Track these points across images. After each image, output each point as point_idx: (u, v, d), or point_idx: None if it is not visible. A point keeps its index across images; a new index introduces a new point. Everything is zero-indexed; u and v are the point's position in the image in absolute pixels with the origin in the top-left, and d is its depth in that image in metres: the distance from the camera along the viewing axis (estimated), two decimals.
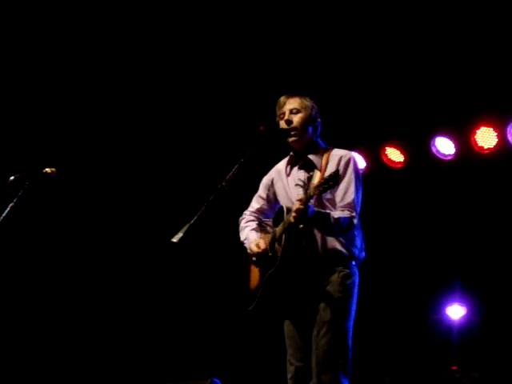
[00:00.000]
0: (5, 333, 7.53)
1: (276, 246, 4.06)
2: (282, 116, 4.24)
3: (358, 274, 4.14)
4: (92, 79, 7.46)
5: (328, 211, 3.98)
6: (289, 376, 4.12)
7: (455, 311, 7.09)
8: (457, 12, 6.45)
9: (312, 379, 3.97)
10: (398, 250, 7.36)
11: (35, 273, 7.79)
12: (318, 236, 4.05)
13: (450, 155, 7.07)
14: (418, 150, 7.21)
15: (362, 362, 7.02)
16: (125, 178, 7.88)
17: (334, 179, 3.70)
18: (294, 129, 4.17)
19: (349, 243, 4.08)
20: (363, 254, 4.18)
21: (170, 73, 7.46)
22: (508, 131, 6.66)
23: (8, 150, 7.38)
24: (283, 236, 3.97)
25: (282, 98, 4.27)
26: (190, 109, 7.64)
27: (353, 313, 4.06)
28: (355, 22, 6.81)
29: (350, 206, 4.03)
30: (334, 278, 4.02)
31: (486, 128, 6.80)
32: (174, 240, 3.73)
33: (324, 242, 4.05)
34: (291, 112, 4.21)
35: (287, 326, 4.18)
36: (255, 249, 4.12)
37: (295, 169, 4.26)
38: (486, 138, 6.82)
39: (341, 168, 4.08)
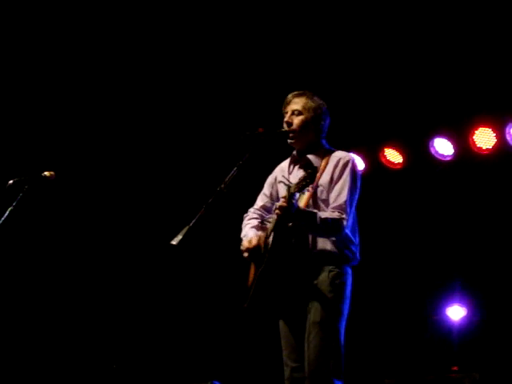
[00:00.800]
0: (5, 335, 7.53)
1: (267, 242, 4.07)
2: (285, 115, 4.24)
3: (350, 273, 4.12)
4: (90, 81, 7.47)
5: (315, 210, 3.97)
6: (285, 377, 4.11)
7: (455, 312, 7.08)
8: (455, 13, 6.46)
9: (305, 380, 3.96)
10: (398, 251, 7.35)
11: (35, 276, 7.79)
12: (310, 235, 4.04)
13: (448, 156, 7.07)
14: (417, 151, 7.20)
15: (363, 363, 7.06)
16: (124, 180, 7.88)
17: (311, 177, 3.78)
18: (293, 131, 4.17)
19: (341, 244, 4.06)
20: (357, 256, 4.15)
21: (168, 75, 7.47)
22: (506, 132, 6.65)
23: (7, 154, 7.38)
24: (272, 233, 4.00)
25: (289, 96, 4.26)
26: (189, 111, 7.64)
27: (345, 313, 4.03)
28: (354, 24, 6.82)
29: (341, 208, 4.01)
30: (324, 276, 4.01)
31: (484, 129, 6.79)
32: (174, 242, 3.73)
33: (315, 240, 4.04)
34: (293, 113, 4.20)
35: (282, 327, 4.17)
36: (246, 244, 4.12)
37: (296, 168, 4.27)
38: (484, 138, 6.81)
39: (337, 170, 4.09)
